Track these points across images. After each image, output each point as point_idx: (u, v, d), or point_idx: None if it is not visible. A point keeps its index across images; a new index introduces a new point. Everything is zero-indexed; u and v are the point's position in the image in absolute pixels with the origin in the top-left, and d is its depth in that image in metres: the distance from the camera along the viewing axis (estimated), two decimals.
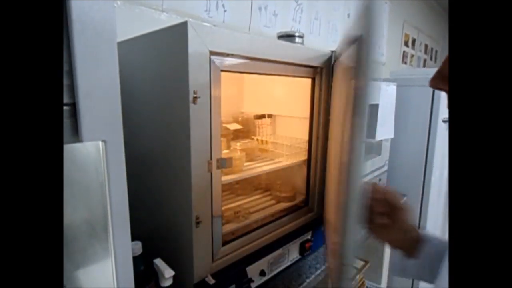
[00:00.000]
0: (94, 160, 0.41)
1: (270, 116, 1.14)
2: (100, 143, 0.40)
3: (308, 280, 0.84)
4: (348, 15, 1.96)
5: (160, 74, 0.67)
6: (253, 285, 0.76)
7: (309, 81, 0.89)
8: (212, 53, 0.60)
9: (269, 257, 0.80)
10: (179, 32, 0.57)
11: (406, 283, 1.70)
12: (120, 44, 0.77)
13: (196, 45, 0.57)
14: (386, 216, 0.56)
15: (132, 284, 0.49)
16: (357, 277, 1.41)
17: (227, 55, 0.64)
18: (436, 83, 0.41)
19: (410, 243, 0.57)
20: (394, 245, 0.60)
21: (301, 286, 0.82)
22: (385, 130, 1.26)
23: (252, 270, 0.76)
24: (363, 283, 1.47)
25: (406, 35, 2.76)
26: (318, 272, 0.88)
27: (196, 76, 0.58)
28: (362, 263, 1.50)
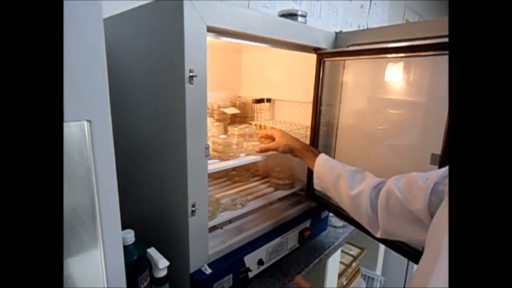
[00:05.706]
0: (79, 143, 0.37)
1: (269, 100, 1.09)
2: (85, 123, 0.36)
3: (306, 269, 0.82)
4: None
5: (154, 51, 0.62)
6: (251, 274, 0.74)
7: (311, 63, 0.85)
8: (210, 28, 0.55)
9: (268, 246, 0.78)
10: (174, 4, 0.52)
11: (400, 271, 1.71)
12: (110, 19, 0.72)
13: (193, 19, 0.52)
14: None
15: (123, 274, 0.46)
16: (353, 264, 1.41)
17: (226, 31, 0.59)
18: None
19: None
20: None
21: (300, 275, 0.80)
22: None
23: (250, 259, 0.73)
24: (358, 270, 1.48)
25: (407, 21, 2.70)
26: (316, 260, 0.86)
27: (193, 53, 0.53)
28: (358, 250, 1.50)
